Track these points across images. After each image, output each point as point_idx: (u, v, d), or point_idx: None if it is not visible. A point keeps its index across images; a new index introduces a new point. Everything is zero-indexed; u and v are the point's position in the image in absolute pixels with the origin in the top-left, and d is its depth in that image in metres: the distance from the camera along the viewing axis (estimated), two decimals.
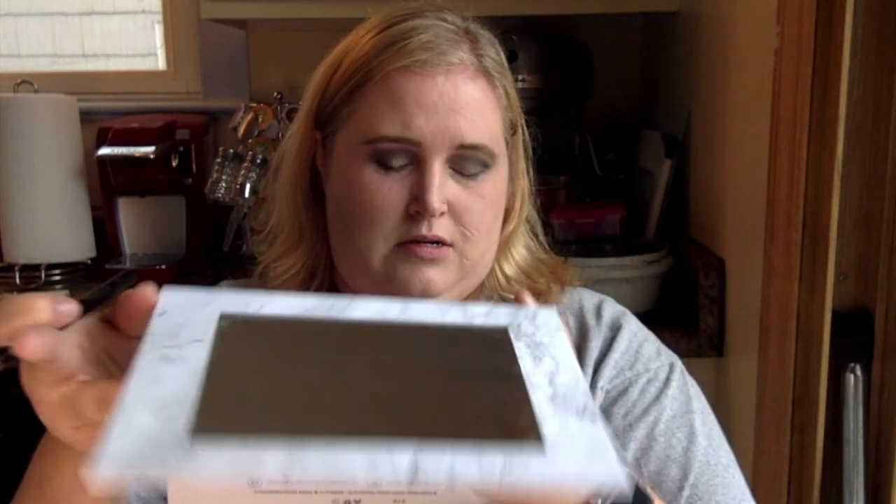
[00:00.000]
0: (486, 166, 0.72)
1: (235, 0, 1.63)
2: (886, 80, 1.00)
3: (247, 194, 1.69)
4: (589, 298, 0.82)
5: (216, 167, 1.72)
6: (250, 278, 0.83)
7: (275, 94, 1.78)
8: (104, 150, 1.67)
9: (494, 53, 0.74)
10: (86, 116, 1.78)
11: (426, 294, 0.71)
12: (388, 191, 0.70)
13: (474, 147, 0.71)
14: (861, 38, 1.00)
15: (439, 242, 0.71)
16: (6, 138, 1.67)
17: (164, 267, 1.70)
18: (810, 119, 1.03)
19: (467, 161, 0.71)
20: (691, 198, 1.59)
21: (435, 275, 0.71)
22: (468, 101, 0.70)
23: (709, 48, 1.48)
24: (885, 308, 1.03)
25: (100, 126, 1.72)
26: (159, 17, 2.08)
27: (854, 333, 1.04)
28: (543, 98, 1.69)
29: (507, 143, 0.76)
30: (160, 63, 2.18)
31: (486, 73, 0.72)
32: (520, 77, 1.67)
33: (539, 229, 0.84)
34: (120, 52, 2.53)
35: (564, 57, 1.74)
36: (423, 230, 0.70)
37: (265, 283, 0.79)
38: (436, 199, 0.69)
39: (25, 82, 1.79)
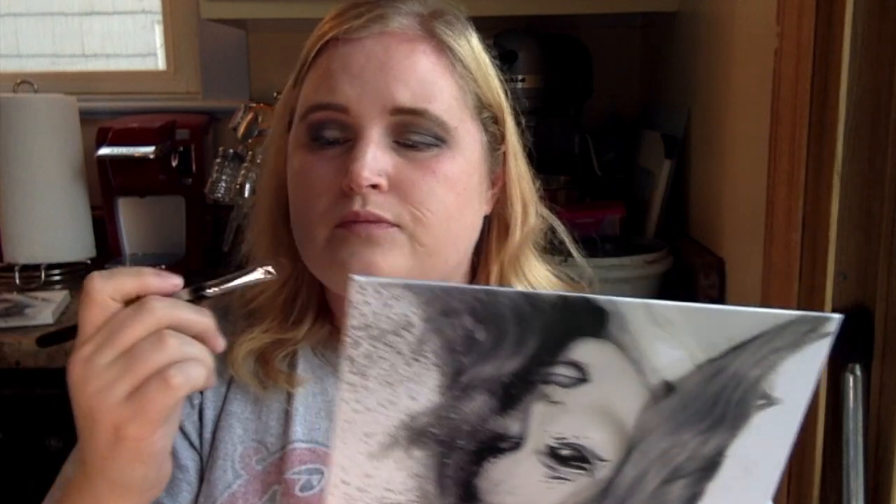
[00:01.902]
0: (439, 140, 0.64)
1: (235, 0, 1.63)
2: (886, 79, 1.00)
3: (247, 194, 1.68)
4: None
5: (216, 167, 1.71)
6: (231, 302, 0.74)
7: (274, 94, 1.78)
8: (104, 151, 1.67)
9: (457, 25, 0.68)
10: (86, 116, 1.78)
11: None
12: (321, 168, 0.64)
13: (414, 112, 0.63)
14: (861, 37, 1.00)
15: (380, 221, 0.63)
16: (6, 138, 1.67)
17: (164, 267, 1.70)
18: (810, 119, 1.03)
19: (413, 131, 0.64)
20: (691, 198, 1.59)
21: (377, 257, 0.62)
22: (401, 62, 0.64)
23: (709, 48, 1.48)
24: (885, 308, 1.03)
25: (100, 126, 1.72)
26: (159, 17, 2.07)
27: (854, 333, 1.04)
28: (543, 98, 1.69)
29: (482, 127, 0.69)
30: (160, 63, 2.18)
31: (433, 38, 0.66)
32: (520, 77, 1.67)
33: (573, 247, 0.77)
34: (120, 52, 2.54)
35: (564, 57, 1.74)
36: (356, 206, 0.62)
37: (244, 306, 0.73)
38: (364, 169, 0.61)
39: (25, 82, 1.79)
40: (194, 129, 1.80)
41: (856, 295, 1.06)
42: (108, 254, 1.78)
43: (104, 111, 1.89)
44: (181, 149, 1.76)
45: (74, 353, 0.50)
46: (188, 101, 1.99)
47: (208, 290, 0.55)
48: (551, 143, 1.77)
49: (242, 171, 1.70)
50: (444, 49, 0.66)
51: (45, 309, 1.43)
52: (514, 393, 0.43)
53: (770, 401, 0.45)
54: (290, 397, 0.69)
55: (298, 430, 0.69)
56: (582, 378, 0.43)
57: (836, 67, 1.00)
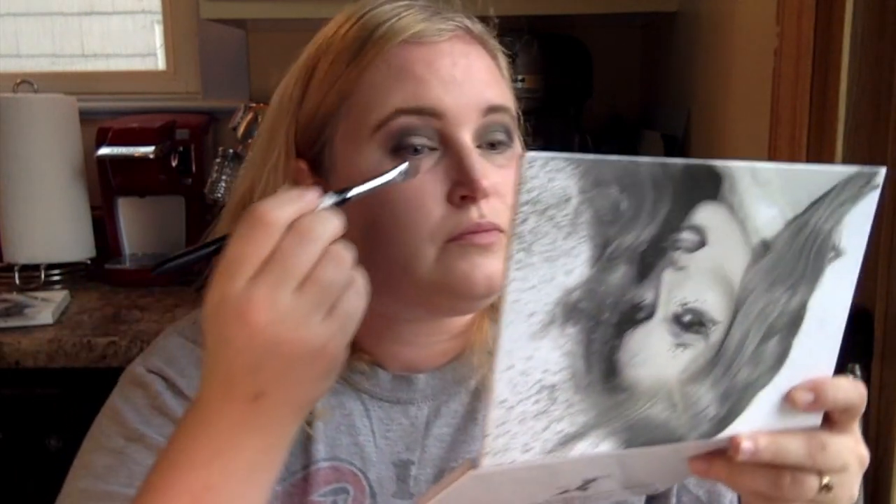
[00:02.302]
0: (509, 138, 0.64)
1: (235, 0, 1.63)
2: (886, 79, 1.00)
3: None
4: None
5: (216, 167, 1.71)
6: None
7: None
8: (104, 150, 1.67)
9: (480, 24, 0.68)
10: (85, 116, 1.78)
11: (491, 291, 0.61)
12: (421, 182, 0.60)
13: (501, 109, 0.63)
14: (860, 37, 1.00)
15: (495, 229, 0.61)
16: (6, 138, 1.67)
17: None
18: (810, 119, 1.03)
19: (493, 130, 0.63)
20: None
21: (496, 265, 0.60)
22: (481, 65, 0.64)
23: (708, 48, 1.48)
24: (884, 308, 1.03)
25: (99, 126, 1.72)
26: (159, 17, 2.08)
27: (854, 333, 1.04)
28: (543, 98, 1.69)
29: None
30: (160, 63, 2.18)
31: (484, 42, 0.66)
32: (520, 77, 1.67)
33: None
34: (119, 51, 2.54)
35: (564, 57, 1.74)
36: (475, 216, 0.60)
37: None
38: (483, 176, 0.59)
39: (25, 82, 1.79)
40: (194, 129, 1.80)
41: (856, 295, 1.06)
42: (107, 253, 1.78)
43: (104, 111, 1.89)
44: (181, 149, 1.76)
45: (248, 291, 0.48)
46: (188, 101, 1.99)
47: (350, 193, 0.55)
48: (551, 143, 1.77)
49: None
50: (495, 52, 0.67)
51: (44, 309, 1.43)
52: (649, 261, 0.45)
53: (838, 252, 0.49)
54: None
55: (320, 448, 0.67)
56: (702, 241, 0.46)
57: (835, 67, 1.00)
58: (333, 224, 0.50)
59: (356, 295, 0.50)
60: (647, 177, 0.43)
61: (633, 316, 0.45)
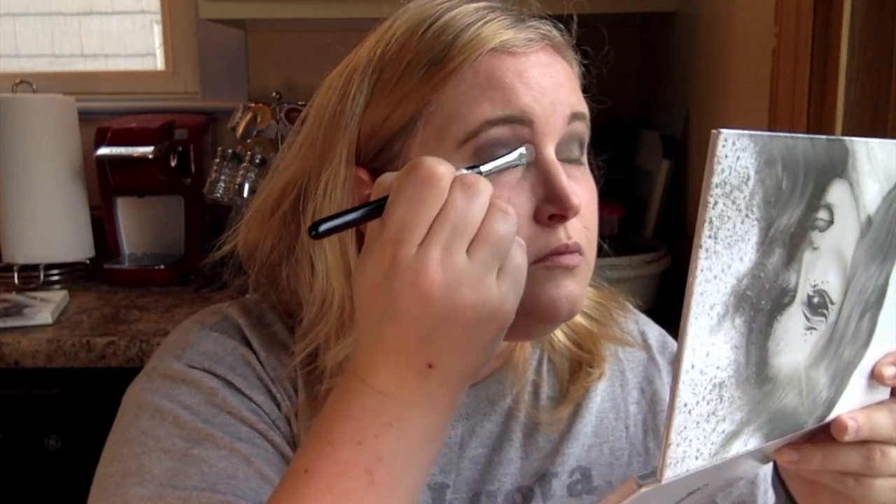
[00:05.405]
0: (583, 148, 0.62)
1: (234, 0, 1.63)
2: (884, 80, 1.01)
3: (245, 194, 1.69)
4: (651, 330, 0.76)
5: (215, 167, 1.72)
6: (288, 358, 0.63)
7: (273, 93, 1.78)
8: (103, 150, 1.67)
9: (558, 31, 0.65)
10: (84, 116, 1.79)
11: (572, 315, 0.59)
12: (509, 199, 0.55)
13: (583, 116, 0.62)
14: (859, 38, 1.00)
15: (579, 250, 0.58)
16: (5, 139, 1.67)
17: (162, 267, 1.70)
18: (808, 119, 1.03)
19: (573, 142, 0.61)
20: (689, 197, 1.59)
21: (578, 288, 0.58)
22: (564, 74, 0.61)
23: (707, 48, 1.48)
24: None
25: (98, 126, 1.73)
26: (158, 17, 2.08)
27: None
28: None
29: None
30: (159, 63, 2.18)
31: (563, 50, 0.64)
32: None
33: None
34: (118, 52, 2.54)
35: None
36: (563, 236, 0.57)
37: (321, 364, 0.61)
38: (574, 194, 0.56)
39: (24, 82, 1.79)
40: (193, 129, 1.80)
41: None
42: (106, 253, 1.78)
43: (103, 111, 1.89)
44: (180, 149, 1.77)
45: (421, 256, 0.46)
46: (187, 101, 1.99)
47: (483, 169, 0.54)
48: None
49: (241, 171, 1.70)
50: (572, 61, 0.65)
51: (43, 309, 1.43)
52: (795, 242, 0.42)
53: None
54: None
55: None
56: (831, 220, 0.44)
57: (833, 68, 1.00)
58: (488, 183, 0.49)
59: (520, 250, 0.49)
60: (801, 154, 0.41)
61: (781, 301, 0.43)
